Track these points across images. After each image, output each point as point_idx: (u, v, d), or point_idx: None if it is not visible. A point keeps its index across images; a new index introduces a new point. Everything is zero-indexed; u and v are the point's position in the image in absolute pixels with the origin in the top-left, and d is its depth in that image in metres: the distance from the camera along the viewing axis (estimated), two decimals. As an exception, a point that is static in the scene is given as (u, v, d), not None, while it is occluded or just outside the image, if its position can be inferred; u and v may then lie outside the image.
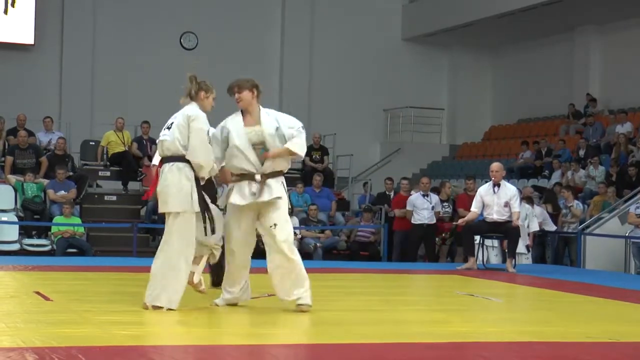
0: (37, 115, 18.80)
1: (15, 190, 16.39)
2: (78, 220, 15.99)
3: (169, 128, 7.04)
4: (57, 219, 15.78)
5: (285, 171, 7.22)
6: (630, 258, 15.03)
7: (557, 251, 16.25)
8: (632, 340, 6.36)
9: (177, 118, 7.05)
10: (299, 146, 7.09)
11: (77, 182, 16.97)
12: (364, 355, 5.52)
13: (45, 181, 16.61)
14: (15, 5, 21.36)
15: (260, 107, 7.20)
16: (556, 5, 20.99)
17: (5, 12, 21.45)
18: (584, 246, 15.46)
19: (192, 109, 7.06)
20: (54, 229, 15.74)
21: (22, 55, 22.10)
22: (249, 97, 7.12)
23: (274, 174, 7.06)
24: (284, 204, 7.09)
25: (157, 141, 7.23)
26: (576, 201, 16.39)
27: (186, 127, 6.94)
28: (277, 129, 7.04)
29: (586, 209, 16.66)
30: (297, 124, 7.14)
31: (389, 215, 17.52)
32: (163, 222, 7.18)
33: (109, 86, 22.32)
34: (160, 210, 7.06)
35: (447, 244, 16.61)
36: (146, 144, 18.78)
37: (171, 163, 6.97)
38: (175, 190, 6.92)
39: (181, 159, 6.96)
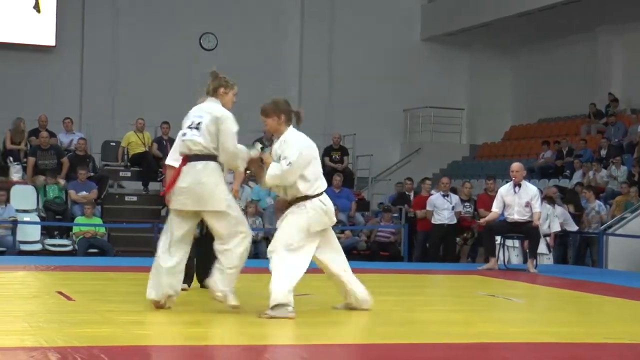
0: (58, 116, 18.89)
1: (38, 192, 16.49)
2: (99, 221, 16.07)
3: (196, 128, 6.89)
4: (79, 219, 15.86)
5: (303, 195, 6.97)
6: (653, 258, 14.96)
7: (578, 251, 16.17)
8: (654, 341, 6.32)
9: (204, 118, 6.89)
10: (271, 172, 6.90)
11: (98, 183, 17.06)
12: (384, 355, 5.51)
13: (62, 181, 16.68)
14: (41, 10, 21.49)
15: (290, 129, 7.05)
16: (574, 4, 20.90)
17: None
18: (605, 246, 15.38)
19: (218, 109, 6.94)
20: (75, 229, 15.83)
21: (43, 56, 22.24)
22: (274, 124, 7.03)
23: (295, 201, 7.00)
24: (292, 218, 6.97)
25: (182, 139, 7.02)
26: (598, 202, 16.30)
27: (215, 128, 6.86)
28: (279, 157, 6.96)
29: (608, 209, 16.57)
30: (288, 158, 6.85)
31: (408, 215, 17.51)
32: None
33: (130, 87, 22.41)
34: (196, 208, 6.87)
35: (468, 244, 16.56)
36: (166, 144, 18.81)
37: (204, 162, 6.89)
38: (215, 189, 6.86)
39: (214, 158, 6.91)
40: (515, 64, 26.13)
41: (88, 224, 15.71)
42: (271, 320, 6.60)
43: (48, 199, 16.33)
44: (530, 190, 12.41)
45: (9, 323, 6.06)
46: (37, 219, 16.14)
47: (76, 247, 15.62)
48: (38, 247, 15.80)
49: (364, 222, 18.21)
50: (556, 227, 14.48)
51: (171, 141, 18.75)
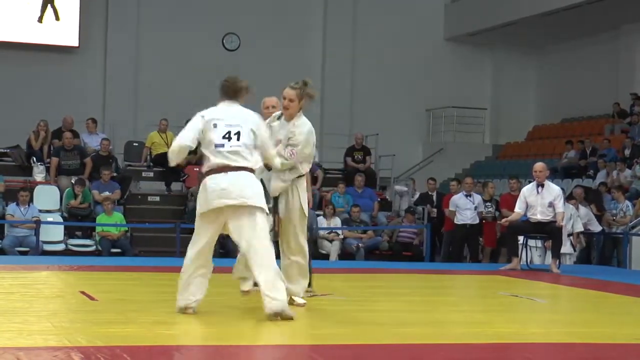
0: (82, 117, 18.96)
1: (61, 193, 16.52)
2: (120, 217, 16.04)
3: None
4: (100, 217, 15.84)
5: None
6: (678, 259, 14.81)
7: (602, 252, 16.04)
8: (680, 342, 6.26)
9: None
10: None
11: (121, 183, 17.10)
12: (406, 356, 5.50)
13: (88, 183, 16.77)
14: (60, 18, 21.73)
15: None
16: (600, 3, 20.78)
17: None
18: (630, 247, 15.26)
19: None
20: (98, 229, 15.87)
21: (67, 57, 22.35)
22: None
23: None
24: None
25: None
26: (627, 202, 16.15)
27: None
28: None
29: (632, 209, 16.44)
30: None
31: (431, 215, 17.45)
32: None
33: (152, 88, 22.48)
34: None
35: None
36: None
37: None
38: None
39: None
40: (539, 64, 26.02)
41: (110, 224, 15.72)
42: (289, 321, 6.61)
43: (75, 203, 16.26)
44: (553, 190, 12.33)
45: (33, 323, 6.08)
46: (60, 219, 16.21)
47: (98, 247, 15.68)
48: (61, 247, 15.86)
49: (386, 222, 18.17)
50: (579, 227, 14.40)
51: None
